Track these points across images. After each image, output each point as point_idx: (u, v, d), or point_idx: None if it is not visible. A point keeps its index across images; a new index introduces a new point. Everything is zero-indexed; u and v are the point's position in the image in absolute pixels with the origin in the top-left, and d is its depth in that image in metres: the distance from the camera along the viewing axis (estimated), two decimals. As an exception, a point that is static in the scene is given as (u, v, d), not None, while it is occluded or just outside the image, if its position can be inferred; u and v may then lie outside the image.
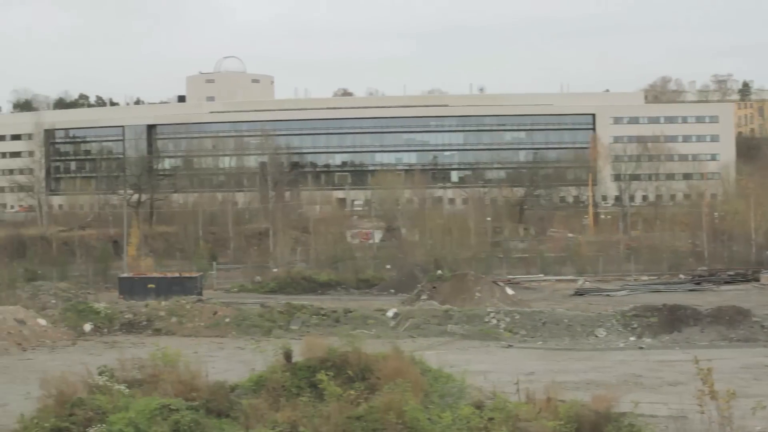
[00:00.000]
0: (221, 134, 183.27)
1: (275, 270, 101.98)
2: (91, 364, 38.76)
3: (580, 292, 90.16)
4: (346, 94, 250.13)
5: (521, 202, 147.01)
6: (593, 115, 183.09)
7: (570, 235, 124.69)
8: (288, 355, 34.98)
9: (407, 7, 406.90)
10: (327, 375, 32.29)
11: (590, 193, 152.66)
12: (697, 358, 29.35)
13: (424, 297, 77.07)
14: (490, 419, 30.02)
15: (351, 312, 66.75)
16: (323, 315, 66.07)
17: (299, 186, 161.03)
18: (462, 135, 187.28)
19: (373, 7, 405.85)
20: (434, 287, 78.75)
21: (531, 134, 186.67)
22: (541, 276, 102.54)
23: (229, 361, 49.97)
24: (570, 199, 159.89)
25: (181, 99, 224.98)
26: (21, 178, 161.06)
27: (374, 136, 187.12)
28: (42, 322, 64.19)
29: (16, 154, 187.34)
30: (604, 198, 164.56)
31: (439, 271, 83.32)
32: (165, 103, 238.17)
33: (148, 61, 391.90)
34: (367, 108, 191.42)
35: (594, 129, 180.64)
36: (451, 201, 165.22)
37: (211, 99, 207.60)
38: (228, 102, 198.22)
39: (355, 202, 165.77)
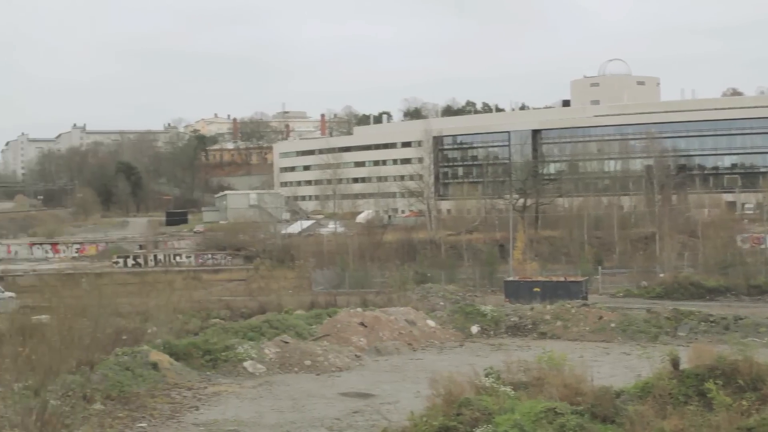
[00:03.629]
0: (606, 138, 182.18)
1: (661, 275, 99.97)
2: (478, 365, 39.48)
3: None
4: (735, 93, 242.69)
5: None
6: None
7: None
8: (675, 362, 34.27)
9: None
10: (716, 384, 31.42)
11: None
12: None
13: (820, 305, 73.60)
14: None
15: (741, 319, 64.27)
16: (712, 322, 63.96)
17: (686, 189, 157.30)
18: None
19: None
20: (832, 294, 75.11)
21: None
22: None
23: (614, 367, 49.42)
24: None
25: (566, 103, 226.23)
26: (411, 184, 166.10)
27: (766, 136, 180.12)
28: (431, 323, 65.94)
29: (406, 161, 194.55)
30: None
31: (838, 278, 79.23)
32: (549, 107, 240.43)
33: (531, 67, 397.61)
34: (757, 108, 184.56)
35: None
36: None
37: (595, 102, 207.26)
38: (613, 105, 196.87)
39: (746, 206, 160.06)
